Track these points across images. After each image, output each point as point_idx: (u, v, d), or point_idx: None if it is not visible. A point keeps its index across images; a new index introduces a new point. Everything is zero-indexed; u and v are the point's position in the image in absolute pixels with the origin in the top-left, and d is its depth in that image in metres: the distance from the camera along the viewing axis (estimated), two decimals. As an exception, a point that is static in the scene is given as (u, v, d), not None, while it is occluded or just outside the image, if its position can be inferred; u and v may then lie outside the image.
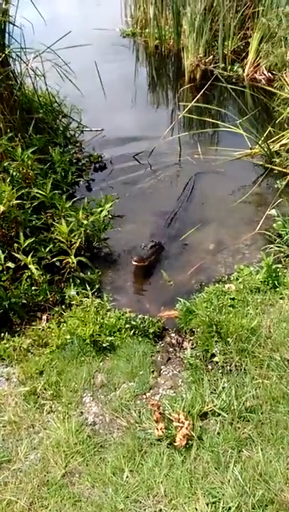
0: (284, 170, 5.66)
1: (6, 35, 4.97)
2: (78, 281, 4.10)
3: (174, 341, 3.65)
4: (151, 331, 3.64)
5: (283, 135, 5.91)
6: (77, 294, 3.91)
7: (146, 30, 9.57)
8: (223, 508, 2.44)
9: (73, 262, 4.06)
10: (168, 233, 4.91)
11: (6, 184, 4.10)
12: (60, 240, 4.13)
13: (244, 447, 2.73)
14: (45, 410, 3.08)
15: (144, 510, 2.49)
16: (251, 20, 8.14)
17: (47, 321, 3.83)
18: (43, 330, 3.73)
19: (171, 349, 3.60)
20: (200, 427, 2.82)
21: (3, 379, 3.34)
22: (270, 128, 5.98)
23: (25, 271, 3.91)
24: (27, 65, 5.14)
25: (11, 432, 2.95)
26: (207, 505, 2.46)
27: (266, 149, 5.80)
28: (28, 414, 3.04)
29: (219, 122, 6.24)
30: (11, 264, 3.83)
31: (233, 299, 3.76)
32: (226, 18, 8.00)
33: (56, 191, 4.57)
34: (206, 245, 4.77)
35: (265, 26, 7.41)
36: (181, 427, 2.73)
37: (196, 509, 2.45)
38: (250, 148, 6.01)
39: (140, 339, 3.59)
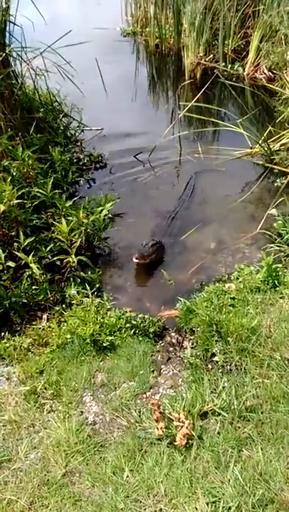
0: (284, 169, 5.66)
1: (7, 34, 4.97)
2: (79, 280, 4.10)
3: (174, 341, 3.65)
4: (151, 330, 3.65)
5: (283, 134, 5.90)
6: (78, 293, 3.92)
7: (147, 29, 9.58)
8: (223, 507, 2.44)
9: (74, 262, 4.07)
10: (169, 232, 4.91)
11: (7, 183, 4.10)
12: (60, 240, 4.13)
13: (244, 447, 2.73)
14: (46, 410, 3.08)
15: (145, 509, 2.50)
16: (252, 19, 8.14)
17: (47, 321, 3.83)
18: (43, 329, 3.73)
19: (171, 348, 3.60)
20: (200, 426, 2.82)
21: (4, 378, 3.34)
22: (270, 127, 5.97)
23: (26, 270, 3.92)
24: (27, 64, 5.14)
25: (12, 431, 2.95)
26: (207, 504, 2.46)
27: (266, 148, 5.79)
28: (29, 414, 3.05)
29: (219, 121, 6.24)
30: (11, 264, 3.83)
31: (234, 298, 3.76)
32: (227, 17, 8.00)
33: (57, 190, 4.58)
34: (206, 245, 4.78)
35: (267, 24, 7.38)
36: (182, 427, 2.73)
37: (196, 508, 2.45)
38: (251, 148, 6.01)
39: (140, 338, 3.59)
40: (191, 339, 3.60)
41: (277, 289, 3.87)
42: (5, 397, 3.16)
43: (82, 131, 6.37)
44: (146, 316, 3.73)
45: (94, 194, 5.13)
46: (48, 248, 4.14)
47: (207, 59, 8.20)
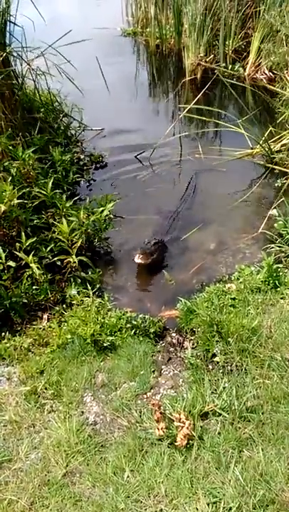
0: (285, 169, 5.66)
1: (7, 34, 4.97)
2: (79, 280, 4.10)
3: (174, 341, 3.65)
4: (152, 330, 3.64)
5: (284, 135, 5.90)
6: (78, 293, 3.91)
7: (147, 30, 9.57)
8: (223, 508, 2.44)
9: (74, 262, 4.07)
10: (170, 232, 4.91)
11: (7, 183, 4.10)
12: (61, 240, 4.13)
13: (245, 447, 2.73)
14: (46, 410, 3.08)
15: (145, 510, 2.49)
16: (252, 20, 8.13)
17: (48, 321, 3.83)
18: (43, 329, 3.73)
19: (172, 349, 3.60)
20: (201, 426, 2.82)
21: (4, 378, 3.34)
22: (271, 128, 5.97)
23: (26, 270, 3.91)
24: (28, 64, 5.14)
25: (12, 432, 2.95)
26: (208, 505, 2.46)
27: (267, 149, 5.79)
28: (29, 414, 3.05)
29: (220, 122, 6.24)
30: (12, 263, 3.83)
31: (234, 298, 3.76)
32: (227, 17, 7.99)
33: (57, 191, 4.57)
34: (207, 245, 4.77)
35: (268, 24, 7.37)
36: (182, 427, 2.73)
37: (197, 509, 2.45)
38: (251, 148, 6.00)
39: (141, 339, 3.59)
40: (191, 339, 3.60)
41: (278, 289, 3.87)
42: (5, 397, 3.16)
43: (83, 131, 6.37)
44: (146, 317, 3.73)
45: (94, 194, 5.13)
46: (49, 248, 4.14)
47: (208, 59, 8.20)
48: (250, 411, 2.90)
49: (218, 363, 3.28)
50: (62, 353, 3.47)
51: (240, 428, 2.82)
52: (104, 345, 3.48)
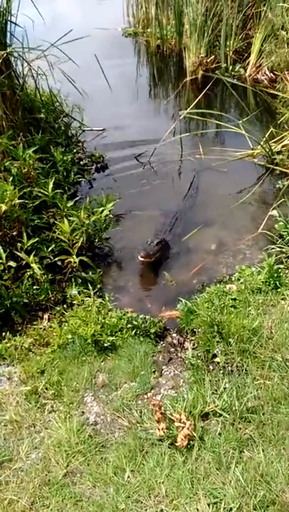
0: (286, 170, 5.66)
1: (8, 34, 4.96)
2: (80, 280, 4.10)
3: (175, 341, 3.65)
4: (152, 331, 3.64)
5: (285, 135, 5.90)
6: (79, 293, 3.92)
7: (148, 30, 9.57)
8: (224, 508, 2.44)
9: (75, 262, 4.07)
10: (171, 233, 4.90)
11: (8, 183, 4.10)
12: (61, 240, 4.13)
13: (245, 448, 2.73)
14: (47, 410, 3.08)
15: (146, 510, 2.49)
16: (253, 21, 8.14)
17: (48, 321, 3.83)
18: (44, 329, 3.73)
19: (172, 349, 3.60)
20: (201, 427, 2.82)
21: (5, 378, 3.34)
22: (272, 128, 5.97)
23: (27, 270, 3.91)
24: (28, 64, 5.14)
25: (12, 431, 2.95)
26: (208, 505, 2.46)
27: (268, 149, 5.80)
28: (30, 414, 3.05)
29: (221, 123, 6.24)
30: (12, 263, 3.83)
31: (235, 299, 3.76)
32: (229, 18, 7.99)
33: (58, 190, 4.57)
34: (207, 246, 4.77)
35: (270, 23, 7.34)
36: (183, 428, 2.73)
37: (198, 509, 2.45)
38: (252, 149, 6.01)
39: (142, 339, 3.59)
40: (192, 340, 3.60)
41: (279, 290, 3.87)
42: (6, 397, 3.16)
43: (84, 131, 6.37)
44: (147, 317, 3.73)
45: (95, 194, 5.13)
46: (50, 248, 4.14)
47: (208, 60, 8.21)
48: (251, 412, 2.90)
49: (218, 363, 3.28)
50: (62, 353, 3.47)
51: (240, 429, 2.82)
52: (105, 345, 3.48)
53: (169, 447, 2.76)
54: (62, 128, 5.91)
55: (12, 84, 5.02)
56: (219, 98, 7.89)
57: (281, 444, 2.73)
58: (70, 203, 4.41)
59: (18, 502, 2.56)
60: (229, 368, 3.24)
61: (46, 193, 4.38)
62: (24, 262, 3.92)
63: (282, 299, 3.78)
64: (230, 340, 3.31)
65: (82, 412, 3.07)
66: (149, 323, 3.67)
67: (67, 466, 2.73)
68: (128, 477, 2.64)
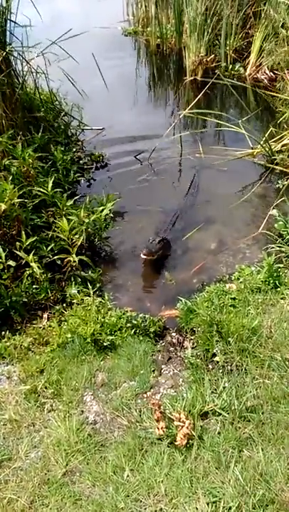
0: (285, 169, 5.66)
1: (8, 33, 4.95)
2: (79, 279, 4.10)
3: (174, 341, 3.65)
4: (152, 330, 3.64)
5: (285, 135, 5.90)
6: (78, 292, 3.92)
7: (148, 29, 9.55)
8: (223, 507, 2.44)
9: (74, 261, 4.06)
10: (171, 232, 4.90)
11: (8, 182, 4.09)
12: (61, 239, 4.13)
13: (245, 447, 2.73)
14: (46, 409, 3.08)
15: (145, 509, 2.50)
16: (254, 20, 8.13)
17: (48, 320, 3.83)
18: (43, 328, 3.73)
19: (171, 348, 3.60)
20: (201, 426, 2.83)
21: (4, 377, 3.34)
22: (271, 128, 5.97)
23: (27, 269, 3.91)
24: (28, 63, 5.13)
25: (12, 431, 2.95)
26: (207, 504, 2.46)
27: (268, 149, 5.79)
28: (29, 413, 3.05)
29: (221, 122, 6.23)
30: (12, 263, 3.82)
31: (234, 298, 3.76)
32: (229, 17, 7.98)
33: (57, 189, 4.57)
34: (207, 245, 4.77)
35: (273, 20, 7.30)
36: (182, 427, 2.73)
37: (197, 508, 2.45)
38: (252, 148, 6.00)
39: (141, 338, 3.59)
40: (191, 339, 3.60)
41: (278, 289, 3.87)
42: (5, 396, 3.16)
43: (83, 130, 6.37)
44: (146, 316, 3.73)
45: (95, 193, 5.12)
46: (49, 247, 4.14)
47: (208, 59, 8.19)
48: (250, 411, 2.91)
49: (218, 362, 3.28)
50: (62, 352, 3.47)
51: (240, 428, 2.83)
52: (105, 344, 3.48)
53: (169, 446, 2.76)
54: (62, 127, 5.90)
55: (12, 83, 5.01)
56: (219, 97, 7.88)
57: (280, 443, 2.73)
58: (70, 202, 4.40)
59: (18, 501, 2.56)
60: (228, 367, 3.24)
61: (46, 192, 4.37)
62: (23, 261, 3.92)
63: (281, 299, 3.78)
64: (229, 339, 3.31)
65: (82, 411, 3.07)
66: (148, 323, 3.67)
67: (67, 465, 2.73)
68: (127, 476, 2.64)
